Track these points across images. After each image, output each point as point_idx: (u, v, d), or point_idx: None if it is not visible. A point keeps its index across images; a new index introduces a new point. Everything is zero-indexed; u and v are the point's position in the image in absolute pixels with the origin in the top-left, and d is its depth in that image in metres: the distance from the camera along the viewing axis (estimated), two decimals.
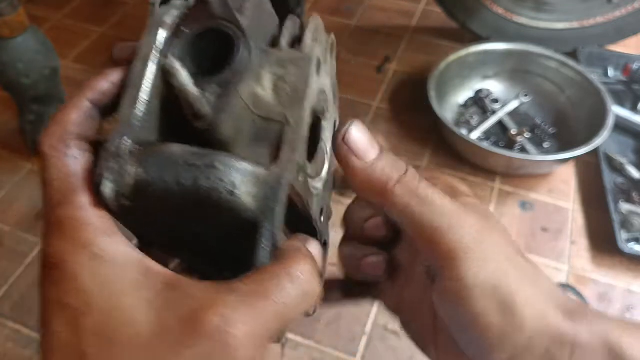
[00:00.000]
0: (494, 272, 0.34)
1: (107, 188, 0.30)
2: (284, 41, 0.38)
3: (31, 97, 1.14)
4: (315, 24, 0.40)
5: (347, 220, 0.45)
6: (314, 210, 0.39)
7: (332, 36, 0.44)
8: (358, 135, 0.35)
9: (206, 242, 0.35)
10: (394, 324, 1.00)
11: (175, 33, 0.34)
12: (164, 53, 0.33)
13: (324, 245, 0.45)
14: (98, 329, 0.28)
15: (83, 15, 1.64)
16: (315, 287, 0.31)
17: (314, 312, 0.42)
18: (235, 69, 0.33)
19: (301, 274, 0.30)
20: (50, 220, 0.30)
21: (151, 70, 0.33)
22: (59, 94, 1.18)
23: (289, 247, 0.32)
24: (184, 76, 0.30)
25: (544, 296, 0.35)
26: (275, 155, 0.33)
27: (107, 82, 0.33)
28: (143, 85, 0.33)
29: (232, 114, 0.33)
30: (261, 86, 0.35)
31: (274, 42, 0.39)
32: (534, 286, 0.35)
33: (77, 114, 0.32)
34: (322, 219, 0.42)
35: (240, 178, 0.30)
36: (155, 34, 0.34)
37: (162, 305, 0.28)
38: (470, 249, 0.34)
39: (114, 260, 0.29)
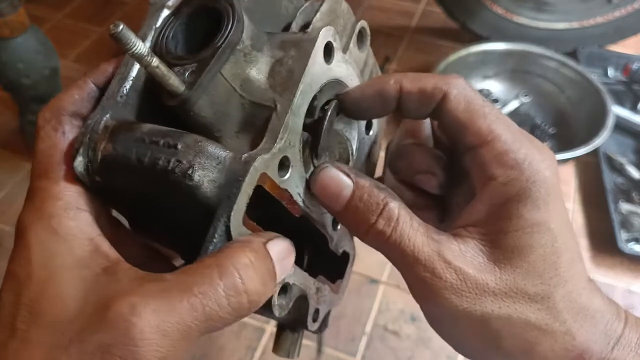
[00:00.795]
0: None
1: (78, 162, 0.30)
2: (295, 25, 0.36)
3: (31, 97, 1.14)
4: (330, 6, 0.37)
5: (391, 167, 0.41)
6: (324, 214, 0.36)
7: (362, 23, 0.39)
8: (326, 181, 0.33)
9: (177, 228, 0.32)
10: (394, 324, 1.00)
11: (175, 13, 0.33)
12: (162, 33, 0.32)
13: (344, 256, 0.41)
14: (32, 304, 0.28)
15: (83, 15, 1.64)
16: (252, 284, 0.28)
17: (321, 328, 0.40)
18: (216, 47, 0.30)
19: (235, 269, 0.27)
20: (29, 190, 0.31)
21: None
22: None
23: (239, 240, 0.29)
24: (140, 46, 0.28)
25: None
26: (256, 143, 0.31)
27: (114, 67, 0.34)
28: (134, 65, 0.32)
29: (209, 94, 0.31)
30: (256, 69, 0.33)
31: (287, 28, 0.37)
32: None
33: (78, 94, 0.33)
34: (339, 225, 0.39)
35: (201, 161, 0.28)
36: (156, 16, 0.33)
37: (92, 287, 0.28)
38: None
39: (67, 235, 0.29)
